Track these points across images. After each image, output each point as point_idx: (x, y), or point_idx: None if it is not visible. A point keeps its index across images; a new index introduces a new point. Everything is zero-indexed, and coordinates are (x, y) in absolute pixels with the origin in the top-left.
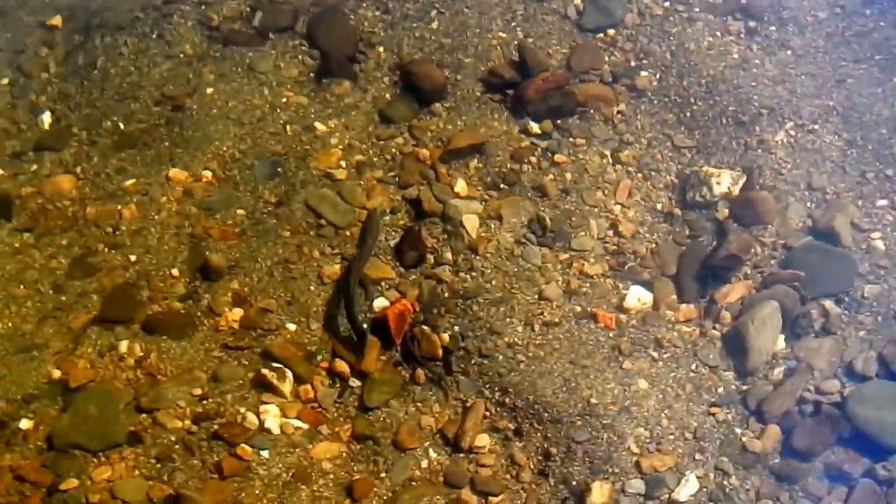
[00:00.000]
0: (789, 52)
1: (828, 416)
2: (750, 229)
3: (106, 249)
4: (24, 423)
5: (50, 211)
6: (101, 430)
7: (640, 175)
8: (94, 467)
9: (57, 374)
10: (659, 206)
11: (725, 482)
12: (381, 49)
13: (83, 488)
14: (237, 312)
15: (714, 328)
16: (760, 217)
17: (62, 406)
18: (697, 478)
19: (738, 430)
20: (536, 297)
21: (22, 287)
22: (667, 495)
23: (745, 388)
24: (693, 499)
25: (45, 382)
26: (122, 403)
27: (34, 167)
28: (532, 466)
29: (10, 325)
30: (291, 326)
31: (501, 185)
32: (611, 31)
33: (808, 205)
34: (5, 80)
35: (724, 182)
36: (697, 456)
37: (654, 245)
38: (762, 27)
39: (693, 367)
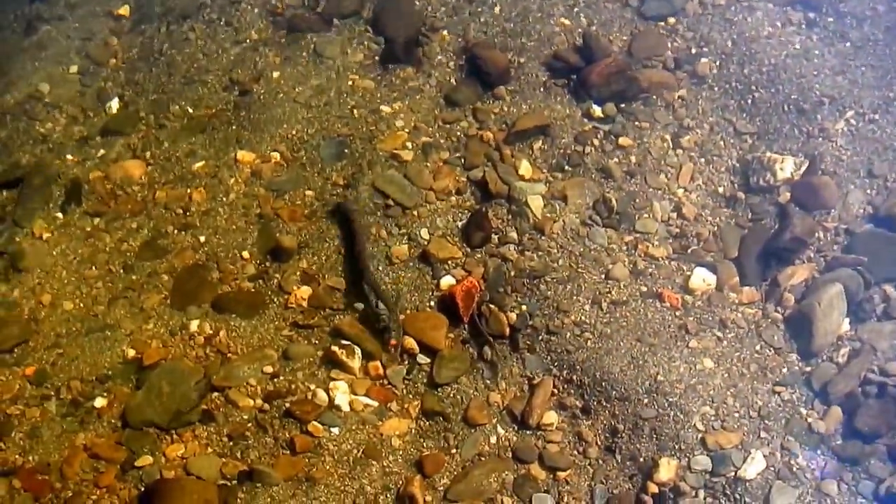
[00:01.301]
0: (848, 44)
1: (892, 397)
2: (812, 214)
3: (175, 231)
4: (99, 402)
5: (119, 195)
6: (173, 407)
7: (702, 159)
8: (168, 444)
9: (130, 353)
10: (721, 190)
11: (792, 461)
12: (446, 33)
13: (157, 465)
14: (306, 291)
15: (777, 310)
16: (823, 202)
17: (135, 385)
18: (764, 456)
19: (803, 410)
20: (603, 276)
21: (94, 269)
22: (733, 472)
23: (808, 369)
24: (760, 477)
25: (118, 362)
26: (193, 381)
27: (102, 152)
28: (599, 443)
29: (82, 306)
30: (360, 305)
31: (566, 167)
32: (671, 20)
33: (869, 192)
34: (74, 69)
35: (788, 167)
36: (763, 434)
37: (716, 228)
38: (821, 18)
39: (757, 347)
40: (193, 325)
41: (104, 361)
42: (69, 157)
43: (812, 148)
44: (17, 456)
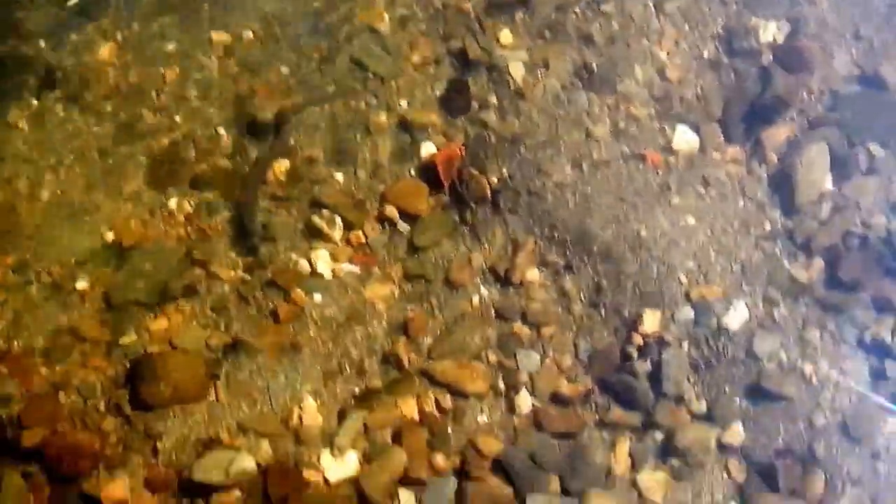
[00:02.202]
0: None
1: (875, 249)
2: (797, 75)
3: (151, 113)
4: (81, 284)
5: (92, 80)
6: (156, 285)
7: (686, 26)
8: (152, 320)
9: (109, 235)
10: (705, 55)
11: (774, 311)
12: None
13: (141, 341)
14: (284, 164)
15: (760, 167)
16: (806, 64)
17: (116, 265)
18: (746, 306)
19: (786, 263)
20: (584, 138)
21: (70, 155)
22: (716, 323)
23: (791, 224)
24: (743, 326)
25: (98, 245)
26: (175, 258)
27: (74, 37)
28: (583, 299)
29: (60, 191)
30: (339, 176)
31: (547, 35)
32: None
33: (855, 54)
34: None
35: (770, 30)
36: (745, 286)
37: (699, 90)
38: None
39: (741, 204)
40: (172, 204)
41: (83, 245)
42: (41, 43)
43: (796, 13)
44: (1, 342)
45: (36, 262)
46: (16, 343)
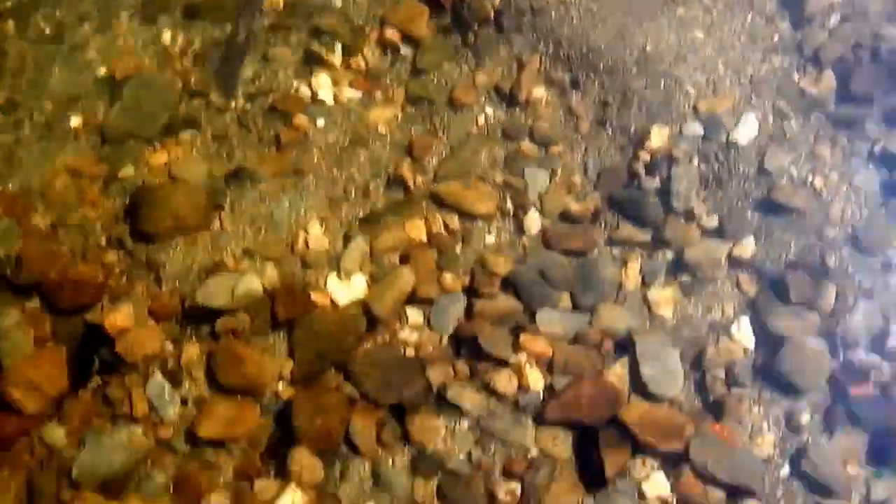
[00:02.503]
0: None
1: (885, 61)
2: None
3: None
4: (74, 121)
5: None
6: (153, 118)
7: None
8: (151, 154)
9: (102, 70)
10: None
11: (785, 125)
12: None
13: (140, 174)
14: None
15: None
16: None
17: (111, 100)
18: (756, 120)
19: (795, 76)
20: None
21: None
22: (725, 137)
23: (800, 35)
24: (753, 141)
25: (91, 81)
26: (171, 90)
27: None
28: (589, 116)
29: (48, 30)
30: (337, 2)
31: None
32: None
33: None
34: None
35: None
36: (754, 99)
37: None
38: None
39: (748, 16)
40: (165, 36)
41: (75, 81)
42: None
43: None
44: None
45: (27, 100)
46: (10, 184)
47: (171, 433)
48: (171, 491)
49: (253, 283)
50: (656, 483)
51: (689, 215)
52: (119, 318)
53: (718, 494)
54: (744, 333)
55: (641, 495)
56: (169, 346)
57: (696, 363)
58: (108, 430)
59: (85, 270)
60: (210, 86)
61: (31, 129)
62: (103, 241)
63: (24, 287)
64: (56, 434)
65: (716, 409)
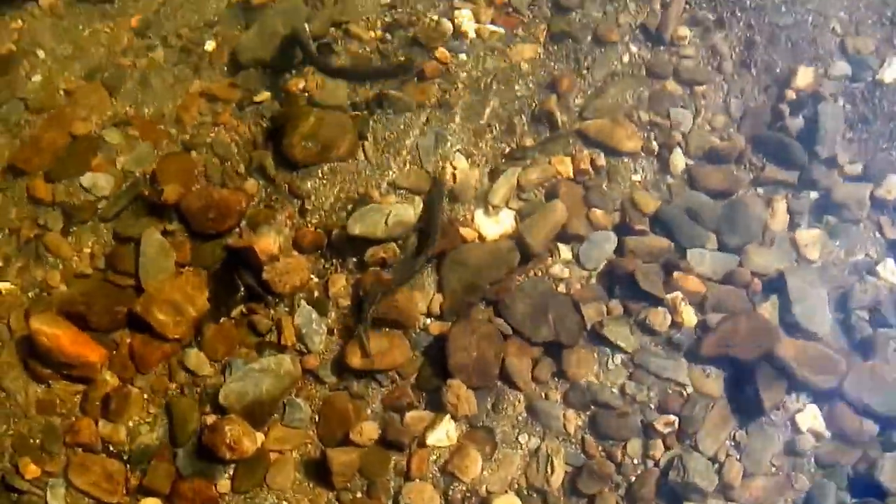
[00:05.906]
0: None
1: None
2: None
3: None
4: (209, 46)
5: None
6: (287, 47)
7: None
8: (289, 79)
9: None
10: None
11: None
12: None
13: (276, 99)
14: None
15: None
16: None
17: (245, 25)
18: None
19: None
20: None
21: None
22: (871, 77)
23: None
24: None
25: (225, 6)
26: (305, 20)
27: None
28: (734, 56)
29: None
30: None
31: None
32: None
33: None
34: None
35: None
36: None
37: None
38: None
39: None
40: None
41: (210, 6)
42: None
43: None
44: (128, 108)
45: (160, 23)
46: (145, 108)
47: (317, 363)
48: (318, 420)
49: (407, 212)
50: (810, 416)
51: (834, 156)
52: (267, 242)
53: (873, 426)
54: (889, 272)
55: (795, 428)
56: (314, 277)
57: (842, 303)
58: (255, 357)
59: (227, 194)
60: (352, 14)
61: (166, 53)
62: (242, 168)
63: (164, 208)
64: (198, 360)
65: (864, 348)
